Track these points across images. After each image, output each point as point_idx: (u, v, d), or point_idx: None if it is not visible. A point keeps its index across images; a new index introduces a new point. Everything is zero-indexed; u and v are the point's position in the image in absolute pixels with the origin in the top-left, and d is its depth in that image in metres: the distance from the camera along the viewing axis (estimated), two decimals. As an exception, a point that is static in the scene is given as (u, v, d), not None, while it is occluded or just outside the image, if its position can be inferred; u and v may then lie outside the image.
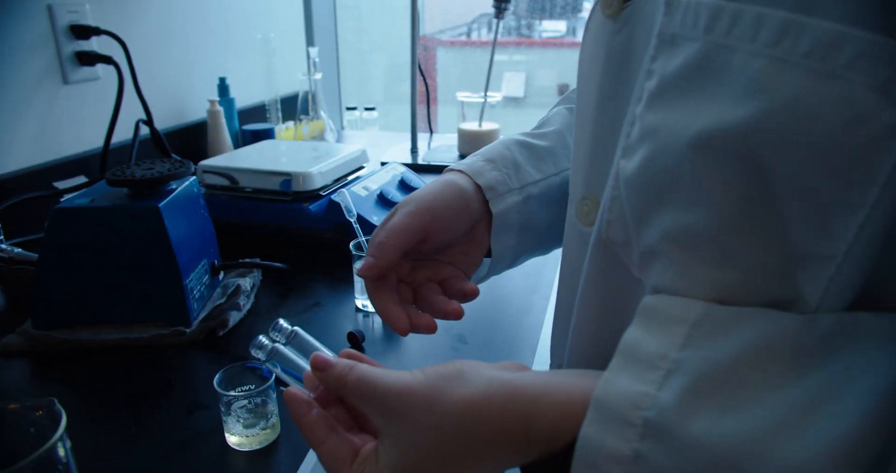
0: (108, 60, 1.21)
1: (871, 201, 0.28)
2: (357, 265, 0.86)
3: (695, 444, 0.29)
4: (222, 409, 0.61)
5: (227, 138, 1.46)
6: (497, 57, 1.49)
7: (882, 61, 0.27)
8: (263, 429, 0.62)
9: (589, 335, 0.46)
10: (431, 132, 1.78)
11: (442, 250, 0.57)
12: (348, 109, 2.11)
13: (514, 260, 0.62)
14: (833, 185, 0.29)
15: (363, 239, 0.86)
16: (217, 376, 0.61)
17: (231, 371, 0.63)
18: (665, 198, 0.36)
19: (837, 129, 0.28)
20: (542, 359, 0.75)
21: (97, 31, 1.21)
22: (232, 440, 0.62)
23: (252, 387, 0.64)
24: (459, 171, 0.58)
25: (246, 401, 0.62)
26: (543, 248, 0.65)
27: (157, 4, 1.38)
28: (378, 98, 3.41)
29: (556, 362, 0.57)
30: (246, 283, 0.88)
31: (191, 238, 0.83)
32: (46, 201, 1.07)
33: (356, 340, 0.77)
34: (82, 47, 1.21)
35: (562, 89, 4.04)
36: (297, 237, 1.04)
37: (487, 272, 0.60)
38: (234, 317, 0.82)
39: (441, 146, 1.65)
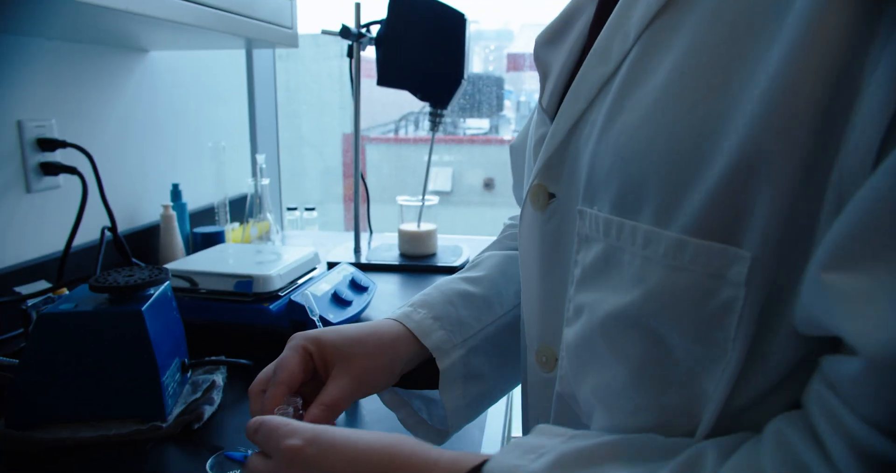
0: (72, 170, 1.29)
1: (730, 350, 0.37)
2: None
3: None
4: None
5: (179, 241, 1.54)
6: (423, 154, 1.63)
7: (712, 257, 0.37)
8: None
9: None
10: (371, 232, 1.90)
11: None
12: (289, 209, 2.22)
13: (468, 410, 0.67)
14: (703, 343, 0.38)
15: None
16: (210, 460, 0.67)
17: (219, 459, 0.69)
18: (590, 361, 0.46)
19: (692, 305, 0.38)
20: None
21: (63, 144, 1.29)
22: None
23: None
24: (400, 323, 0.64)
25: None
26: (490, 396, 0.70)
27: (116, 117, 1.48)
28: (315, 197, 3.52)
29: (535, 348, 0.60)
30: (219, 379, 0.95)
31: (166, 339, 0.90)
32: (8, 305, 1.11)
33: (324, 428, 0.85)
34: (47, 158, 1.29)
35: (487, 183, 4.29)
36: (259, 335, 1.12)
37: (449, 427, 0.65)
38: (208, 411, 0.88)
39: (381, 245, 1.77)
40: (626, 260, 0.42)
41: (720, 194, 0.36)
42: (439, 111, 1.56)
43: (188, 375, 0.97)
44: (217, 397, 0.93)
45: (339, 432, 0.45)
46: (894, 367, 0.28)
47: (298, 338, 0.61)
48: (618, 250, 0.42)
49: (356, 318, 1.17)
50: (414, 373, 0.67)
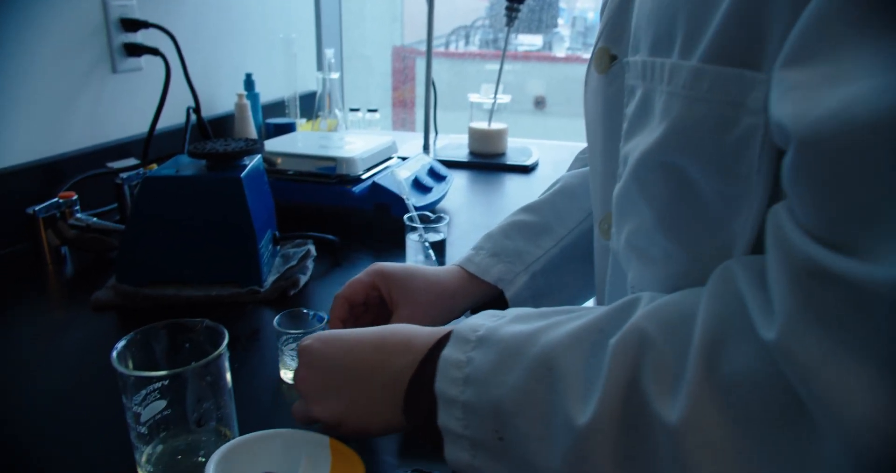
0: (155, 51, 1.29)
1: (754, 186, 0.35)
2: (411, 236, 0.95)
3: (498, 339, 0.43)
4: (279, 347, 0.69)
5: (252, 131, 1.55)
6: (476, 67, 1.59)
7: (730, 83, 0.35)
8: None
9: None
10: (437, 133, 1.88)
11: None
12: (351, 110, 2.20)
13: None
14: (727, 180, 0.36)
15: (415, 213, 0.96)
16: (277, 316, 0.69)
17: (292, 315, 0.70)
18: (627, 211, 0.46)
19: (713, 137, 0.36)
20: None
21: (146, 25, 1.29)
22: (285, 375, 0.69)
23: (302, 331, 0.69)
24: (462, 269, 0.72)
25: (295, 343, 0.69)
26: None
27: (191, 3, 1.46)
28: (375, 102, 3.50)
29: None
30: (312, 248, 0.97)
31: (260, 209, 0.91)
32: (105, 179, 1.14)
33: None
34: (130, 39, 1.29)
35: (538, 101, 4.18)
36: (342, 217, 1.13)
37: None
38: (303, 279, 0.91)
39: (449, 144, 1.75)
40: (656, 99, 0.41)
41: (736, 15, 0.34)
42: (516, 5, 1.51)
43: (278, 248, 0.99)
44: (311, 266, 0.95)
45: (345, 331, 0.54)
46: (823, 151, 0.27)
47: (374, 267, 0.70)
48: (651, 92, 0.42)
49: (437, 203, 1.18)
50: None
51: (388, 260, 1.02)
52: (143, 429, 0.52)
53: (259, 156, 0.96)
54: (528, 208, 0.77)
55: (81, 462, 0.58)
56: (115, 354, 0.51)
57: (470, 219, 1.22)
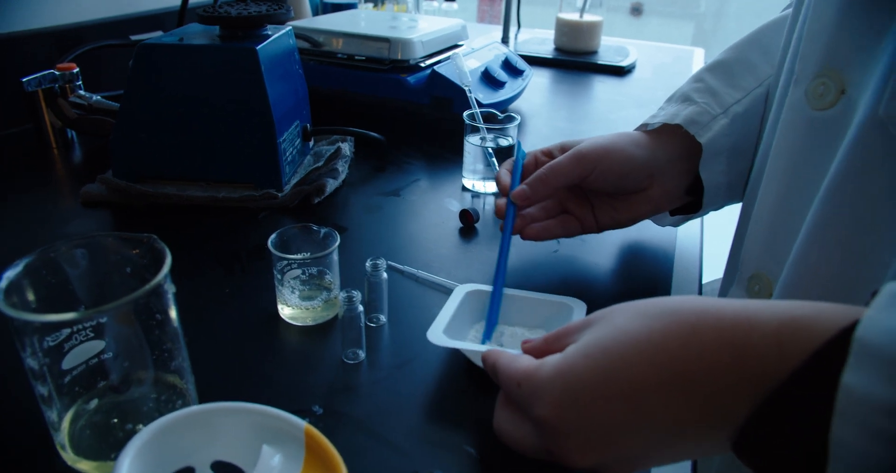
0: None
1: None
2: (470, 138, 0.75)
3: None
4: (275, 273, 0.51)
5: (307, 9, 1.33)
6: None
7: None
8: (322, 303, 0.52)
9: (832, 240, 0.41)
10: (519, 26, 1.62)
11: (595, 194, 0.59)
12: (426, -2, 1.94)
13: (729, 191, 0.60)
14: None
15: (477, 110, 0.74)
16: (274, 235, 0.51)
17: (290, 233, 0.52)
18: None
19: None
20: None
21: None
22: (283, 311, 0.52)
23: (308, 254, 0.51)
24: (643, 131, 0.60)
25: (299, 271, 0.51)
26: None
27: None
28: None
29: (748, 275, 0.51)
30: (346, 148, 0.78)
31: (285, 94, 0.72)
32: (124, 54, 0.96)
33: (470, 219, 0.67)
34: None
35: (635, 7, 3.76)
36: (393, 112, 0.93)
37: (705, 206, 0.60)
38: (331, 184, 0.72)
39: (532, 39, 1.49)
40: None
41: None
42: None
43: (310, 144, 0.81)
44: (342, 169, 0.76)
45: (581, 362, 0.34)
46: None
47: (582, 147, 0.58)
48: None
49: (509, 103, 0.96)
50: None
51: (443, 167, 0.84)
52: (55, 388, 0.36)
53: (289, 28, 0.76)
54: (722, 53, 0.63)
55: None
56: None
57: (549, 124, 0.99)
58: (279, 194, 0.70)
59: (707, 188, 0.58)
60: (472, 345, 0.46)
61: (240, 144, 0.69)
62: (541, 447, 0.35)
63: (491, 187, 0.75)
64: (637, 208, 0.59)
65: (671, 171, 0.58)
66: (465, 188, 0.77)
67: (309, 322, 0.52)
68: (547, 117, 1.02)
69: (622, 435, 0.32)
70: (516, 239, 0.59)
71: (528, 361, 0.37)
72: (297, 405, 0.44)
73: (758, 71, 0.60)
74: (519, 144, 0.63)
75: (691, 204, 0.61)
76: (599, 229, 0.60)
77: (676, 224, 0.66)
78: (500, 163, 0.74)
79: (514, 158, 0.61)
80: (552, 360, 0.35)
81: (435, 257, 0.62)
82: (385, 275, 0.51)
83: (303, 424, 0.35)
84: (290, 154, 0.73)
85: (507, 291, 0.52)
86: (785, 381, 0.27)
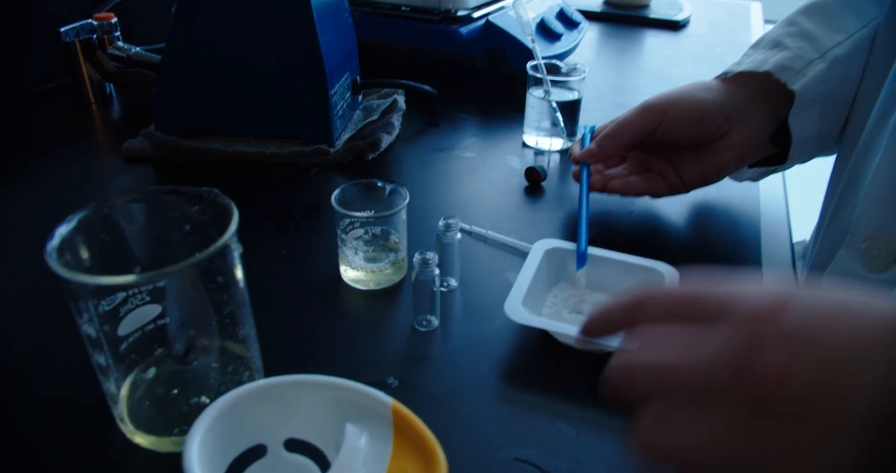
0: None
1: None
2: (534, 91, 0.69)
3: None
4: (339, 233, 0.47)
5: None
6: None
7: None
8: (390, 265, 0.48)
9: None
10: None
11: (673, 148, 0.55)
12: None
13: (820, 142, 0.54)
14: None
15: (541, 61, 0.68)
16: (337, 191, 0.46)
17: (353, 190, 0.47)
18: None
19: None
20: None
21: None
22: (346, 273, 0.48)
23: (372, 212, 0.47)
24: (724, 80, 0.54)
25: (362, 230, 0.47)
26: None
27: None
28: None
29: (864, 237, 0.46)
30: (401, 100, 0.73)
31: (335, 43, 0.67)
32: (164, 2, 0.91)
33: (536, 177, 0.62)
34: None
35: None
36: (444, 65, 0.87)
37: (789, 161, 0.55)
38: (386, 139, 0.67)
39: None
40: None
41: None
42: None
43: (359, 98, 0.76)
44: (397, 124, 0.71)
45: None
46: None
47: (650, 101, 0.54)
48: None
49: (564, 56, 0.89)
50: None
51: (500, 123, 0.79)
52: (112, 356, 0.32)
53: (339, -29, 0.70)
54: (814, 2, 0.57)
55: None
56: (51, 247, 0.30)
57: (605, 80, 0.93)
58: (331, 150, 0.65)
59: (796, 139, 0.53)
60: (556, 325, 0.41)
61: (289, 97, 0.64)
62: (730, 353, 0.22)
63: (557, 144, 0.70)
64: (720, 157, 0.53)
65: (752, 114, 0.53)
66: (526, 145, 0.72)
67: (373, 286, 0.48)
68: (602, 73, 0.95)
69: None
70: (594, 197, 0.54)
71: None
72: (370, 377, 0.39)
73: (863, 11, 0.54)
74: (588, 128, 0.59)
75: (774, 157, 0.56)
76: (686, 187, 0.55)
77: (756, 178, 0.60)
78: (565, 118, 0.68)
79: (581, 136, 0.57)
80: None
81: (502, 218, 0.57)
82: (459, 235, 0.46)
83: (390, 401, 0.31)
84: (341, 108, 0.68)
85: (591, 250, 0.47)
86: None
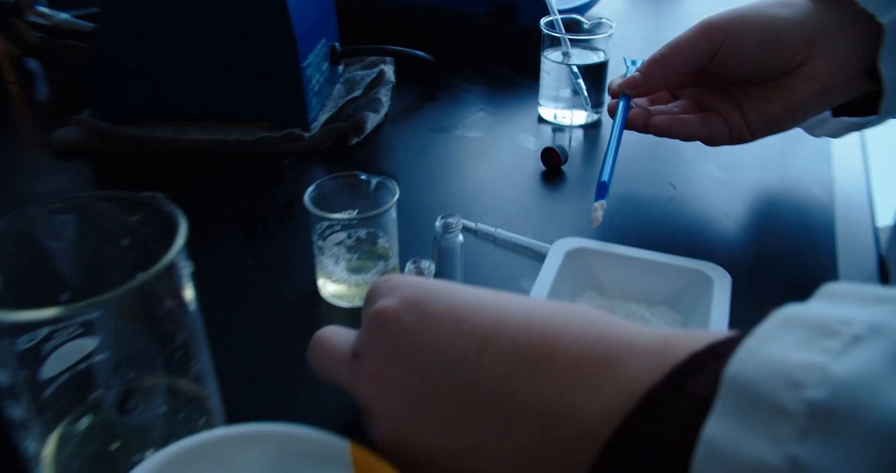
0: None
1: None
2: (549, 53, 0.68)
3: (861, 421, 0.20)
4: (314, 239, 0.46)
5: None
6: None
7: None
8: (378, 276, 0.47)
9: None
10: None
11: (737, 82, 0.53)
12: None
13: None
14: None
15: (558, 17, 0.67)
16: (310, 190, 0.45)
17: (330, 185, 0.47)
18: None
19: None
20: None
21: None
22: (326, 288, 0.48)
23: (355, 212, 0.47)
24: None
25: (344, 235, 0.47)
26: None
27: None
28: None
29: None
30: (389, 71, 0.72)
31: (308, 4, 0.66)
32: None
33: (556, 159, 0.61)
34: None
35: None
36: (443, 25, 0.88)
37: (882, 112, 0.52)
38: (371, 119, 0.67)
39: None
40: None
41: None
42: None
43: (339, 69, 0.75)
44: (385, 100, 0.71)
45: (462, 291, 0.32)
46: None
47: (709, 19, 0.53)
48: None
49: (586, 9, 0.88)
50: None
51: (511, 94, 0.78)
52: (33, 406, 0.31)
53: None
54: None
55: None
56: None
57: (637, 33, 0.92)
58: (306, 135, 0.65)
59: (889, 85, 0.50)
60: None
61: (252, 72, 0.64)
62: (350, 349, 0.33)
63: (579, 117, 0.69)
64: (797, 90, 0.51)
65: (841, 39, 0.50)
66: (543, 120, 0.71)
67: (359, 303, 0.47)
68: (634, 29, 0.95)
69: (450, 411, 0.29)
70: (620, 178, 0.53)
71: None
72: (354, 414, 0.39)
73: None
74: (631, 61, 0.57)
75: (864, 107, 0.53)
76: (751, 133, 0.53)
77: (839, 134, 0.58)
78: (588, 85, 0.67)
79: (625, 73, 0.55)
80: None
81: (515, 212, 0.57)
82: (461, 237, 0.45)
83: (346, 444, 0.30)
84: (317, 82, 0.68)
85: (622, 250, 0.46)
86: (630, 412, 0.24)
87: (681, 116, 0.54)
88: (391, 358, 0.30)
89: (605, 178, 0.46)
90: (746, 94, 0.53)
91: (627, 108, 0.54)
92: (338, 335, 0.35)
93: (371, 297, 0.33)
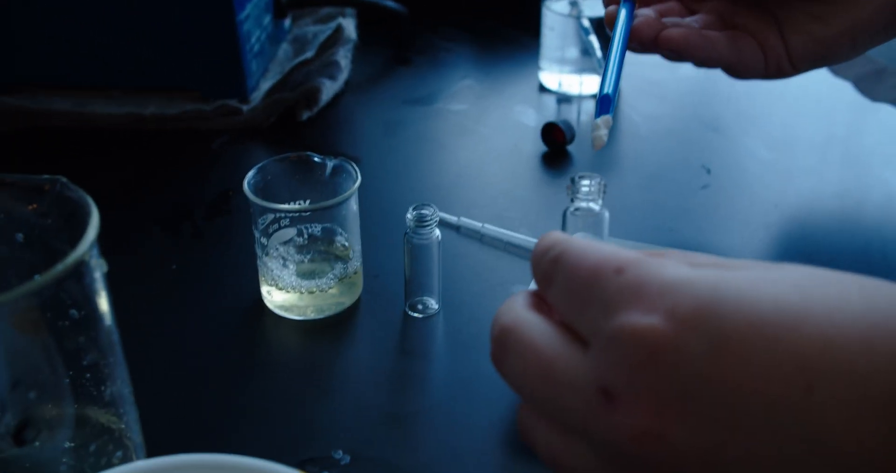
0: None
1: None
2: (553, 4, 0.72)
3: None
4: (256, 236, 0.49)
5: None
6: None
7: None
8: (335, 282, 0.50)
9: None
10: None
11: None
12: None
13: None
14: None
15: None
16: (250, 175, 0.48)
17: (276, 169, 0.50)
18: None
19: None
20: None
21: None
22: (275, 298, 0.51)
23: (307, 202, 0.50)
24: None
25: (293, 230, 0.49)
26: None
27: None
28: None
29: None
30: (350, 26, 0.75)
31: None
32: None
33: (559, 137, 0.64)
34: None
35: None
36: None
37: None
38: (328, 87, 0.70)
39: None
40: None
41: None
42: None
43: (286, 24, 0.78)
44: (345, 64, 0.74)
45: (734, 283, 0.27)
46: None
47: None
48: None
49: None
50: None
51: (507, 55, 0.82)
52: None
53: None
54: None
55: None
56: None
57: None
58: (244, 108, 0.68)
59: None
60: None
61: (174, 28, 0.68)
62: (592, 379, 0.27)
63: (589, 84, 0.73)
64: (855, 9, 0.51)
65: None
66: (544, 88, 0.75)
67: (312, 315, 0.50)
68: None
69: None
70: (639, 158, 0.55)
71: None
72: (308, 451, 0.42)
73: None
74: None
75: None
76: (794, 65, 0.54)
77: None
78: (602, 43, 0.70)
79: None
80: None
81: (508, 204, 0.60)
82: (438, 233, 0.48)
83: None
84: (257, 41, 0.71)
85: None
86: None
87: (702, 31, 0.53)
88: (674, 407, 0.26)
89: (607, 90, 0.48)
90: (791, 12, 0.53)
91: (631, 16, 0.54)
92: (548, 337, 0.30)
93: (607, 295, 0.28)
